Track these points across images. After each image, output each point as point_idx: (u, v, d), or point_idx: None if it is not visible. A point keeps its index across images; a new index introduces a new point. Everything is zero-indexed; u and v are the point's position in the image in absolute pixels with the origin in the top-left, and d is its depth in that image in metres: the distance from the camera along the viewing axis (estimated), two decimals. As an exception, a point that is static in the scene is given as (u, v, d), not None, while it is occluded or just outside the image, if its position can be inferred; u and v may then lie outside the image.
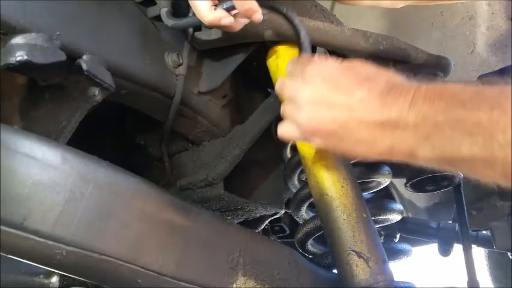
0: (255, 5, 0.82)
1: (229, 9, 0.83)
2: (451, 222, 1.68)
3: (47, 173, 0.61)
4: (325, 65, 0.74)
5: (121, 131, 1.38)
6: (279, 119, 1.19)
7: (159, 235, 0.70)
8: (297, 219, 1.30)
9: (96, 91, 0.77)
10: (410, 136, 0.63)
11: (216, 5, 0.83)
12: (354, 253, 0.88)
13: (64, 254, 0.59)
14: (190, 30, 1.05)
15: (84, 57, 0.74)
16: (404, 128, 0.63)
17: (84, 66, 0.73)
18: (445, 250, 1.35)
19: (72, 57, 0.73)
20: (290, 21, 0.90)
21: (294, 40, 1.01)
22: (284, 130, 0.82)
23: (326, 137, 0.72)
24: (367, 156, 0.71)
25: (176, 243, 0.72)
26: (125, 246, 0.65)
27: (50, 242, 0.58)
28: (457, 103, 0.60)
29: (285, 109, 0.81)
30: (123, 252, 0.65)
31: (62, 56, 0.68)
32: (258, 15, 0.83)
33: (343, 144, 0.71)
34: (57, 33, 0.70)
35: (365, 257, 0.87)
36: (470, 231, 1.31)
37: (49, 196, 0.60)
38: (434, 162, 0.64)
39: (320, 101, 0.71)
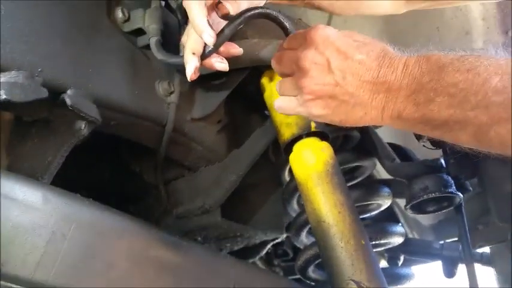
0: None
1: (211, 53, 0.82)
2: (456, 239, 1.64)
3: (27, 215, 0.59)
4: (324, 31, 0.75)
5: (118, 158, 1.37)
6: (276, 141, 1.19)
7: (147, 274, 0.68)
8: (298, 245, 1.27)
9: (82, 125, 0.76)
10: (400, 97, 0.69)
11: None
12: (353, 283, 0.85)
13: (43, 300, 0.57)
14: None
15: (69, 91, 0.73)
16: (397, 90, 0.69)
17: (68, 101, 0.71)
18: (449, 271, 1.31)
19: (57, 92, 0.72)
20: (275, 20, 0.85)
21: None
22: (281, 102, 0.82)
23: (326, 100, 0.74)
24: (361, 121, 0.75)
25: (166, 281, 0.70)
26: (109, 288, 0.63)
27: (29, 290, 0.56)
28: (440, 65, 0.65)
29: (283, 83, 0.82)
30: (108, 294, 0.62)
31: (43, 93, 0.67)
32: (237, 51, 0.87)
33: (341, 108, 0.74)
34: (39, 69, 0.69)
35: (365, 287, 0.84)
36: (475, 251, 1.28)
37: (29, 239, 0.58)
38: (418, 124, 0.69)
39: (323, 65, 0.74)
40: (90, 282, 0.62)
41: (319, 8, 0.98)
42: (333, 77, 0.73)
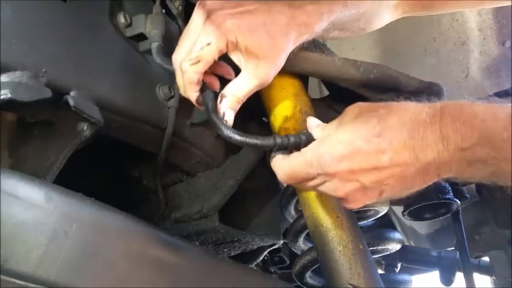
0: (192, 100, 0.85)
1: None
2: (453, 249, 1.65)
3: (30, 212, 0.60)
4: (336, 157, 0.69)
5: (117, 163, 1.37)
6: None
7: (146, 274, 0.68)
8: (295, 250, 1.28)
9: (84, 126, 0.77)
10: (453, 165, 0.64)
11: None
12: (351, 287, 0.85)
13: (45, 297, 0.57)
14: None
15: (72, 93, 0.74)
16: (447, 163, 0.64)
17: (71, 102, 0.72)
18: (447, 279, 1.32)
19: (60, 93, 0.73)
20: None
21: (285, 70, 1.02)
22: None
23: (381, 196, 0.71)
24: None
25: (164, 282, 0.70)
26: (109, 287, 0.63)
27: (32, 285, 0.56)
28: (480, 129, 0.62)
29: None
30: (108, 293, 0.63)
31: (47, 93, 0.67)
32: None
33: (399, 194, 0.70)
34: (43, 70, 0.70)
35: (362, 291, 0.85)
36: (472, 259, 1.28)
37: (32, 236, 0.59)
38: (478, 179, 0.66)
39: (358, 188, 0.69)
40: (90, 281, 0.62)
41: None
42: (375, 191, 0.68)
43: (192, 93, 0.83)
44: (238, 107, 0.84)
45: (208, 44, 0.77)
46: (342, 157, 0.68)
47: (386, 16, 0.98)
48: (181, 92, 0.87)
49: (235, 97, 0.82)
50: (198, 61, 0.78)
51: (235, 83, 0.82)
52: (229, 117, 0.82)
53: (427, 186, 0.69)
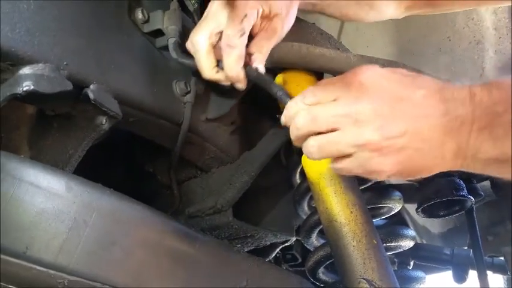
0: (241, 76, 0.87)
1: None
2: (466, 248, 1.64)
3: (51, 202, 0.62)
4: (368, 74, 0.65)
5: (132, 159, 1.39)
6: (287, 144, 1.20)
7: (162, 263, 0.69)
8: (308, 247, 1.28)
9: (103, 120, 0.78)
10: (474, 132, 0.59)
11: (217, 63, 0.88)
12: (364, 281, 0.85)
13: (66, 283, 0.59)
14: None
15: (92, 86, 0.75)
16: (470, 124, 0.59)
17: (91, 95, 0.74)
18: (459, 277, 1.31)
19: (80, 87, 0.75)
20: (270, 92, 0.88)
21: (300, 66, 1.03)
22: (340, 165, 0.68)
23: (396, 155, 0.62)
24: (436, 169, 0.64)
25: (180, 272, 0.71)
26: (127, 275, 0.65)
27: (52, 272, 0.58)
28: (506, 90, 0.58)
29: (326, 141, 0.67)
30: (125, 281, 0.64)
31: (68, 86, 0.69)
32: (241, 85, 0.90)
33: (414, 160, 0.63)
34: (65, 63, 0.71)
35: (376, 285, 0.85)
36: (485, 258, 1.28)
37: (53, 224, 0.61)
38: (493, 164, 0.60)
39: (382, 114, 0.62)
40: (108, 269, 0.64)
41: (322, 12, 1.01)
42: (398, 125, 0.61)
43: (240, 69, 0.85)
44: (264, 63, 0.88)
45: (246, 15, 0.81)
46: (374, 77, 0.67)
47: (389, 8, 0.99)
48: (228, 71, 0.86)
49: (261, 54, 0.86)
50: (243, 33, 0.82)
51: (257, 42, 0.87)
52: (263, 71, 0.87)
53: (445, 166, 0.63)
